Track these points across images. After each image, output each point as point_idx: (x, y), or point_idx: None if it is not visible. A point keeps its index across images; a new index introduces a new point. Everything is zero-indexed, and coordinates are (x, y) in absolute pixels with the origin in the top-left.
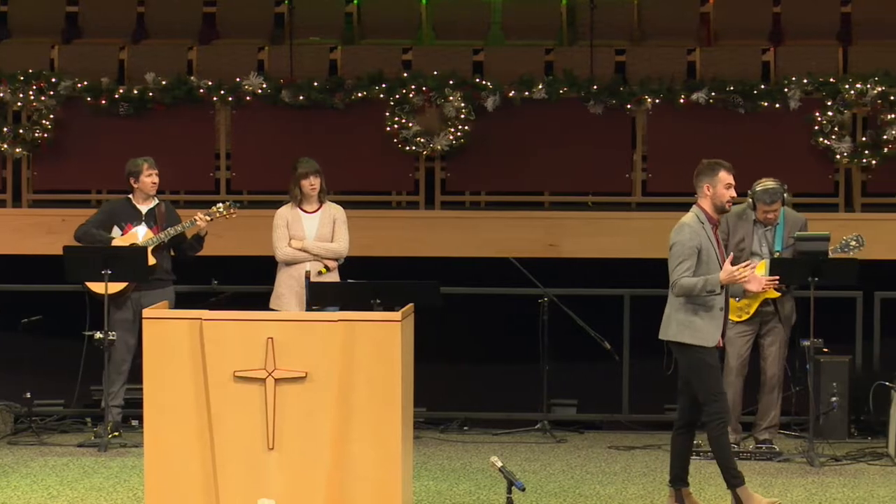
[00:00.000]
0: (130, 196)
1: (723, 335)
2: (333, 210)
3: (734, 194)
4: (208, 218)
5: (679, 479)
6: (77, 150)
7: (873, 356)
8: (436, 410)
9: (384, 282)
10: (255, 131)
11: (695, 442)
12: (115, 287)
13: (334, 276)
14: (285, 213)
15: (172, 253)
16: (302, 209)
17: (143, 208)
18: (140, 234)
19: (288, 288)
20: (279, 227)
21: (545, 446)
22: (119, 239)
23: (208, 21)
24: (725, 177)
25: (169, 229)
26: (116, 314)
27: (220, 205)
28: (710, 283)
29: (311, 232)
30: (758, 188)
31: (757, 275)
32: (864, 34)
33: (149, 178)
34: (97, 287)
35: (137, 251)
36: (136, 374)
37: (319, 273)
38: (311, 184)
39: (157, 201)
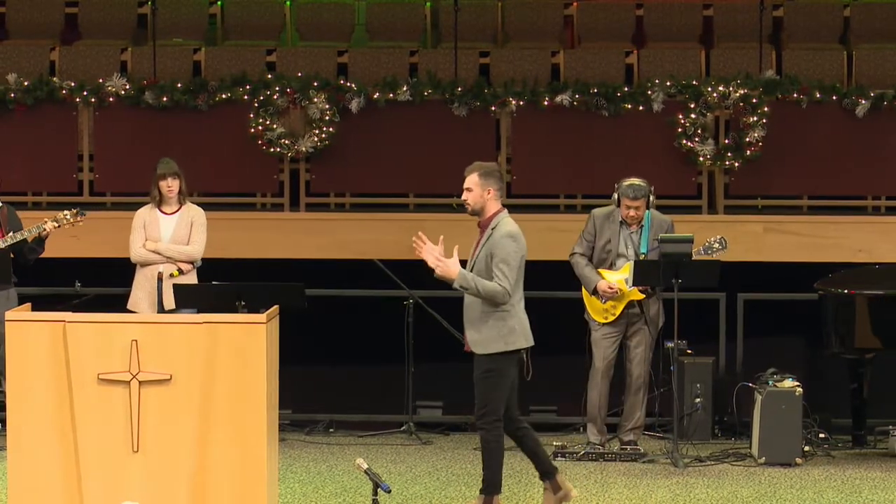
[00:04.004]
0: None
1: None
2: (192, 212)
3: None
4: (56, 224)
5: (546, 472)
6: None
7: (736, 357)
8: (301, 412)
9: (249, 283)
10: (118, 132)
11: (558, 444)
12: None
13: (191, 279)
14: (143, 213)
15: (12, 256)
16: (161, 210)
17: None
18: None
19: (141, 289)
20: (136, 228)
21: (411, 448)
22: None
23: (70, 22)
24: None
25: (13, 234)
26: None
27: (67, 212)
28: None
29: (167, 233)
30: (624, 183)
31: (429, 245)
32: (725, 37)
33: None
34: None
35: None
36: None
37: (171, 275)
38: (169, 185)
39: (0, 204)
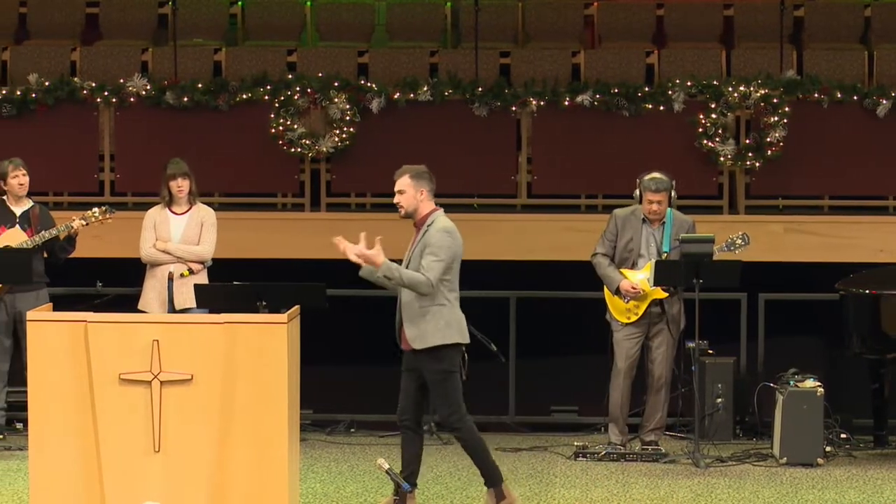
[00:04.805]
0: (4, 198)
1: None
2: (203, 213)
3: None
4: (84, 222)
5: (408, 482)
6: None
7: (757, 357)
8: (322, 413)
9: (270, 284)
10: (139, 133)
11: (579, 444)
12: None
13: (201, 279)
14: (154, 213)
15: (45, 255)
16: (171, 210)
17: (18, 210)
18: (13, 236)
19: (151, 289)
20: (146, 227)
21: (431, 448)
22: None
23: (91, 22)
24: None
25: (43, 232)
26: None
27: (96, 209)
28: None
29: (177, 233)
30: (646, 177)
31: (347, 244)
32: (746, 37)
33: (14, 180)
34: None
35: (21, 253)
36: (19, 377)
37: (182, 275)
38: (179, 186)
39: (31, 203)
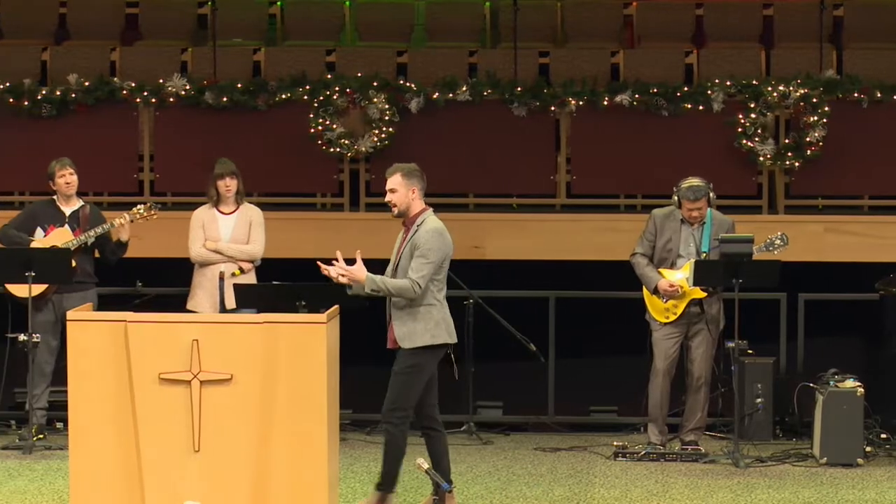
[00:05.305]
0: (55, 197)
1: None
2: (250, 212)
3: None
4: (129, 219)
5: (437, 484)
6: None
7: (797, 357)
8: (362, 412)
9: (309, 283)
10: (178, 133)
11: (619, 444)
12: (36, 289)
13: (250, 278)
14: (202, 213)
15: (97, 255)
16: (219, 210)
17: (67, 210)
18: (61, 236)
19: (201, 289)
20: (194, 227)
21: (471, 448)
22: (39, 241)
23: (131, 22)
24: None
25: (90, 231)
26: (38, 316)
27: (141, 206)
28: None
29: (227, 233)
30: (683, 185)
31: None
32: (785, 37)
33: (62, 179)
34: (15, 289)
35: (60, 253)
36: (60, 377)
37: (233, 275)
38: (227, 185)
39: (80, 203)
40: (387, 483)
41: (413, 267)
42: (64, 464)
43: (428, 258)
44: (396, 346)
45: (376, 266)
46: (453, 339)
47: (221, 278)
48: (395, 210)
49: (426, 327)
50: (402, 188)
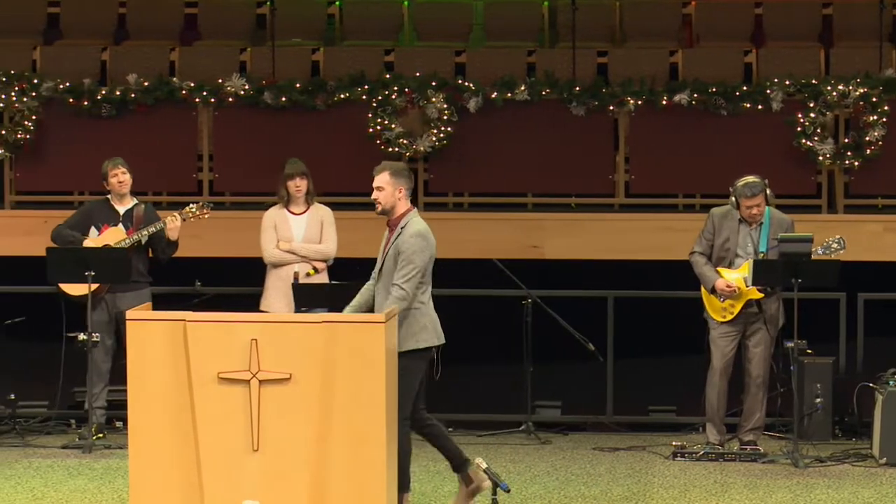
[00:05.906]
0: (109, 197)
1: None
2: (321, 211)
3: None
4: (181, 218)
5: (458, 465)
6: (59, 151)
7: (857, 357)
8: None
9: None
10: (237, 133)
11: (678, 444)
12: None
13: (323, 278)
14: (273, 214)
15: (150, 254)
16: (289, 210)
17: (121, 209)
18: (114, 235)
19: (276, 289)
20: (267, 228)
21: (529, 448)
22: (93, 239)
23: (190, 22)
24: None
25: (143, 230)
26: (93, 316)
27: (193, 205)
28: None
29: (299, 233)
30: (739, 184)
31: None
32: (845, 36)
33: (114, 179)
34: (69, 288)
35: (117, 252)
36: (119, 376)
37: (307, 275)
38: (297, 185)
39: (135, 202)
40: (401, 484)
41: (400, 274)
42: (123, 463)
43: (414, 262)
44: None
45: (438, 265)
46: (441, 341)
47: (296, 279)
48: (379, 208)
49: (411, 332)
50: (389, 187)
